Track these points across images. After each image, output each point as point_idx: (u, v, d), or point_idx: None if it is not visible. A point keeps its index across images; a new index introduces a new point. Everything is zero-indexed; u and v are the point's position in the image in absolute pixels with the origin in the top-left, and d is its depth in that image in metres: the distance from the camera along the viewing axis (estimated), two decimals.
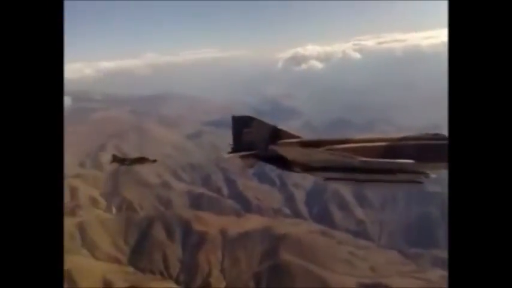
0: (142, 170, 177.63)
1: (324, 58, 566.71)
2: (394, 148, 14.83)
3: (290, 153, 15.70)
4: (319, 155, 15.20)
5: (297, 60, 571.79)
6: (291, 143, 16.59)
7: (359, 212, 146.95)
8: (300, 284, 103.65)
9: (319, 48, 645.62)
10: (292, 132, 18.10)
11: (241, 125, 17.96)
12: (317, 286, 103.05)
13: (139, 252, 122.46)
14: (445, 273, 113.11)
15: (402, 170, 14.67)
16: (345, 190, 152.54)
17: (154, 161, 50.57)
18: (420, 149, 14.47)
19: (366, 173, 15.10)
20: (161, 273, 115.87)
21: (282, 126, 18.19)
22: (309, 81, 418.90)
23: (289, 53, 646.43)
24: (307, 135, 17.82)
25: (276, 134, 17.52)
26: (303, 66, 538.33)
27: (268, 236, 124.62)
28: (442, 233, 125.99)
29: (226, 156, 18.40)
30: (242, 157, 17.90)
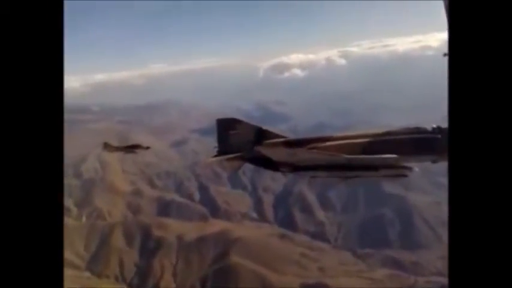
0: (117, 178, 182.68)
1: (307, 66, 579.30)
2: (376, 144, 14.69)
3: (276, 154, 15.24)
4: (304, 154, 14.92)
5: (280, 68, 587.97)
6: (276, 143, 16.35)
7: (320, 214, 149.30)
8: (243, 285, 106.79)
9: (303, 56, 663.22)
10: (277, 132, 17.75)
11: (226, 128, 17.32)
12: (259, 286, 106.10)
13: (98, 258, 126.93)
14: (391, 271, 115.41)
15: (385, 165, 14.84)
16: (310, 193, 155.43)
17: (148, 148, 52.65)
18: (402, 144, 14.35)
19: (351, 170, 15.14)
20: (116, 278, 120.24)
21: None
22: (296, 88, 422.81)
23: (273, 61, 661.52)
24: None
25: (262, 135, 17.11)
26: (286, 74, 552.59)
27: (223, 239, 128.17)
28: (394, 233, 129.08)
29: (211, 160, 17.69)
30: (228, 160, 17.19)
